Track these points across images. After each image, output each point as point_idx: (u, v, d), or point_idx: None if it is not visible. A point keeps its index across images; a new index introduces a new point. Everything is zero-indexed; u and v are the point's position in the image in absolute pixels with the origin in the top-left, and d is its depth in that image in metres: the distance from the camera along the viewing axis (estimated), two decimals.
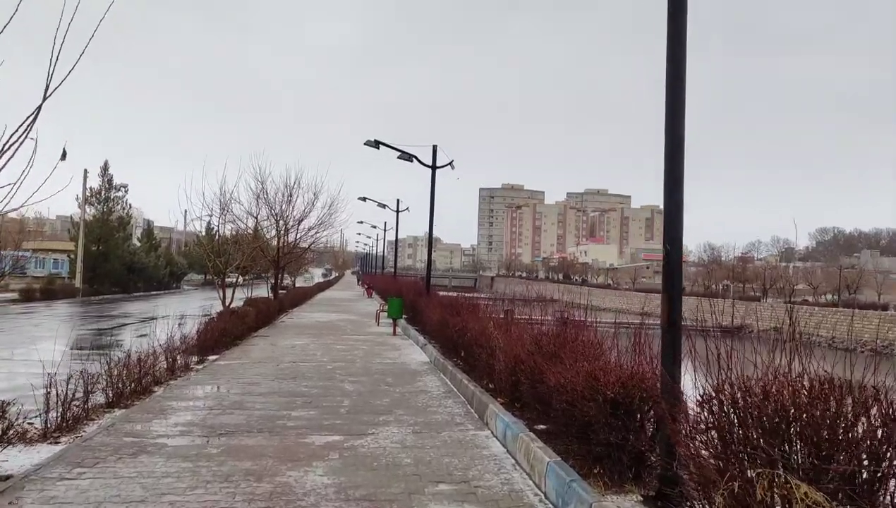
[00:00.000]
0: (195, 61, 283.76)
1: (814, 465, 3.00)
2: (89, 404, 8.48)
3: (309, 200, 26.59)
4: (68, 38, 5.11)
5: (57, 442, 7.18)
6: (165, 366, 11.64)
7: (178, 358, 12.40)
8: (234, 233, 24.73)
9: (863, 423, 3.16)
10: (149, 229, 67.66)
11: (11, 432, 6.52)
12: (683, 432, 3.89)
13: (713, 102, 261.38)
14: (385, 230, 59.03)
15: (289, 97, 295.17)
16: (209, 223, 22.78)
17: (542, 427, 7.22)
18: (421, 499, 5.46)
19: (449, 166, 21.42)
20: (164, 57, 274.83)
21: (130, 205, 53.76)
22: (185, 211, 20.13)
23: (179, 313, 28.58)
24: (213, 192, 20.22)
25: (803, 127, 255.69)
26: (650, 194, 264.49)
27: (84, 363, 9.47)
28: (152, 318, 27.34)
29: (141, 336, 18.29)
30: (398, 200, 41.23)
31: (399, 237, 47.98)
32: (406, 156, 21.43)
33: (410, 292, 25.00)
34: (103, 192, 50.32)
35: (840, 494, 3.01)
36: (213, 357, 14.22)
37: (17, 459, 6.35)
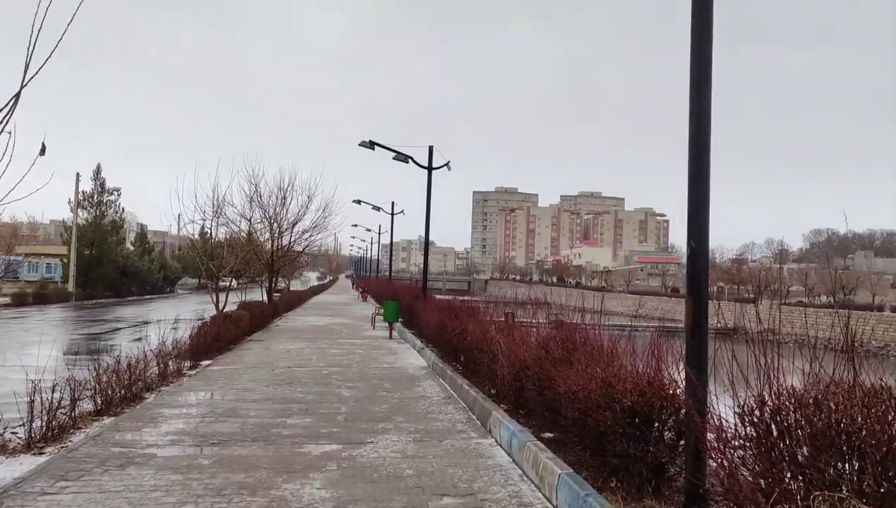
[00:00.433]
0: (188, 63, 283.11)
1: (883, 489, 2.69)
2: (76, 412, 8.15)
3: (303, 203, 26.31)
4: (51, 27, 4.81)
5: (41, 453, 6.85)
6: (157, 372, 11.31)
7: (171, 363, 12.07)
8: (227, 236, 24.44)
9: None
10: (142, 233, 67.09)
11: None
12: (715, 444, 3.60)
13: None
14: (380, 233, 58.69)
15: (282, 99, 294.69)
16: (203, 227, 22.45)
17: (549, 435, 6.92)
18: None
19: (445, 167, 21.14)
20: (158, 59, 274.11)
21: (123, 208, 53.35)
22: (179, 214, 19.80)
23: (173, 317, 28.19)
24: (206, 194, 19.86)
25: (797, 126, 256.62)
26: (644, 197, 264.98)
27: (73, 369, 9.12)
28: (145, 323, 26.95)
29: (135, 340, 17.94)
30: (393, 203, 40.95)
31: (393, 240, 47.62)
32: (401, 157, 21.13)
33: (406, 295, 24.69)
34: (96, 196, 49.84)
35: None
36: (207, 362, 13.89)
37: None
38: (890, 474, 2.72)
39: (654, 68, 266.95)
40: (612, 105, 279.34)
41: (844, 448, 2.86)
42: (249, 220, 24.25)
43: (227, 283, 23.18)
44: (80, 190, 48.33)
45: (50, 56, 4.75)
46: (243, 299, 23.24)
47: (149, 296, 54.13)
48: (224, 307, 19.58)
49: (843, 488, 2.72)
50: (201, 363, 13.68)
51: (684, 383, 4.53)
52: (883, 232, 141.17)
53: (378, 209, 40.28)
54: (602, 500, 4.56)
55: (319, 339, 19.41)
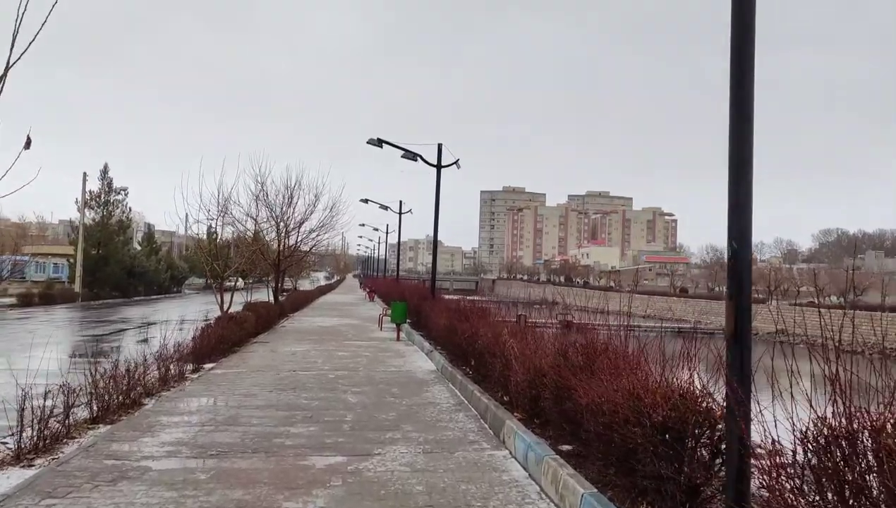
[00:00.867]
0: (197, 63, 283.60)
1: None
2: (71, 420, 7.80)
3: (310, 202, 25.95)
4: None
5: (31, 465, 6.49)
6: (158, 376, 10.96)
7: (172, 366, 11.72)
8: (234, 235, 24.11)
9: None
10: (149, 233, 67.03)
11: None
12: (768, 469, 3.19)
13: (713, 98, 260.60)
14: (387, 233, 58.33)
15: (289, 99, 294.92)
16: (210, 226, 22.11)
17: (567, 447, 6.50)
18: None
19: (455, 165, 20.74)
20: (166, 58, 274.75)
21: (130, 208, 53.19)
22: (186, 214, 19.41)
23: (179, 318, 27.90)
24: (211, 193, 19.52)
25: (806, 126, 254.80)
26: (652, 196, 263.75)
27: (70, 373, 8.75)
28: (150, 324, 26.66)
29: (141, 342, 17.62)
30: (401, 202, 40.57)
31: (401, 240, 47.23)
32: (410, 155, 20.75)
33: (414, 296, 24.28)
34: (103, 196, 49.64)
35: None
36: (210, 365, 13.54)
37: None
38: None
39: (663, 68, 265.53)
40: (621, 105, 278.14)
41: None
42: (255, 219, 23.91)
43: (233, 283, 22.87)
44: (87, 189, 48.19)
45: (35, 37, 4.36)
46: (249, 299, 22.92)
47: (155, 297, 53.94)
48: (229, 308, 19.26)
49: None
50: (204, 366, 13.33)
51: (725, 396, 4.10)
52: (893, 232, 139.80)
53: (386, 208, 39.95)
54: None
55: (326, 341, 19.05)
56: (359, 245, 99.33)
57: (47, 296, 40.43)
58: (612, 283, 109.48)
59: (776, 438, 3.37)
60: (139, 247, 59.65)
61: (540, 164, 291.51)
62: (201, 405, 9.47)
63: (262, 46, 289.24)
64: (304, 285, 60.82)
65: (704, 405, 4.62)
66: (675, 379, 4.93)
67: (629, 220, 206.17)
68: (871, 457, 2.73)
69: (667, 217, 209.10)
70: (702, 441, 4.62)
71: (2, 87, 4.58)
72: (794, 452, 3.15)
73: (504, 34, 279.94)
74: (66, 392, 7.85)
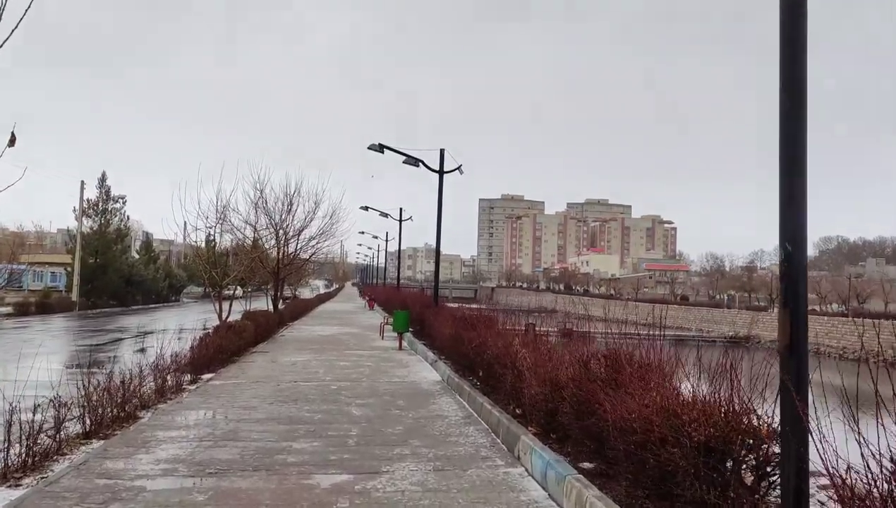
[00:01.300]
0: (194, 70, 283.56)
1: None
2: (62, 435, 7.41)
3: (310, 209, 25.58)
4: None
5: (18, 485, 6.11)
6: (154, 388, 10.57)
7: (169, 378, 11.32)
8: (233, 243, 23.74)
9: None
10: (147, 241, 66.61)
11: None
12: (839, 499, 2.82)
13: (710, 104, 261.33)
14: (387, 240, 57.97)
15: (288, 107, 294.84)
16: (209, 235, 21.71)
17: (588, 465, 6.11)
18: None
19: (458, 171, 20.41)
20: (164, 67, 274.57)
21: (128, 216, 52.77)
22: (185, 222, 19.02)
23: (177, 327, 27.46)
24: (210, 200, 19.14)
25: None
26: (651, 204, 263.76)
27: (65, 384, 8.37)
28: (147, 333, 26.21)
29: (138, 351, 17.19)
30: (401, 209, 40.21)
31: (401, 248, 46.89)
32: (412, 161, 20.41)
33: (417, 304, 23.90)
34: (101, 204, 49.26)
35: None
36: (208, 375, 13.14)
37: None
38: None
39: (661, 76, 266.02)
40: (619, 112, 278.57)
41: None
42: (254, 226, 23.54)
43: (232, 292, 22.46)
44: (85, 198, 47.81)
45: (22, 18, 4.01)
46: (248, 308, 22.52)
47: (154, 305, 53.50)
48: (228, 316, 18.87)
49: None
50: (202, 377, 12.94)
51: (780, 414, 3.73)
52: (894, 239, 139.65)
53: (386, 215, 39.58)
54: None
55: (327, 350, 18.64)
56: (357, 253, 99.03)
57: (44, 305, 39.97)
58: (612, 291, 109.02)
59: (842, 462, 3.00)
60: (137, 256, 59.23)
61: (538, 172, 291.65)
62: (199, 418, 9.07)
63: (263, 53, 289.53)
64: (305, 293, 60.41)
65: (749, 422, 4.24)
66: (714, 394, 4.55)
67: (628, 228, 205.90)
68: None
69: (666, 225, 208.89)
70: (747, 461, 4.24)
71: None
72: (870, 480, 2.77)
73: (501, 43, 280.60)
74: (57, 405, 7.49)
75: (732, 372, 4.56)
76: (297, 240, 26.15)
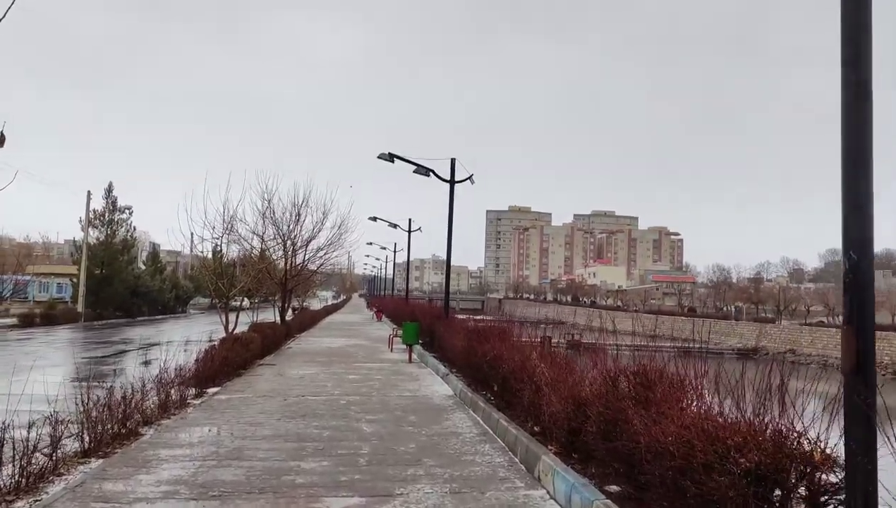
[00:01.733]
0: (202, 81, 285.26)
1: None
2: (59, 454, 7.06)
3: (318, 219, 25.27)
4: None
5: None
6: (157, 403, 10.22)
7: (173, 392, 10.98)
8: (241, 254, 23.45)
9: None
10: (154, 252, 66.54)
11: None
12: None
13: (719, 119, 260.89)
14: (395, 251, 57.65)
15: (297, 118, 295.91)
16: (216, 246, 21.40)
17: (615, 489, 5.70)
18: None
19: (469, 180, 20.08)
20: (172, 77, 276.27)
21: (135, 227, 52.65)
22: (192, 233, 18.72)
23: (183, 339, 27.15)
24: (216, 209, 18.79)
25: (811, 142, 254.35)
26: (657, 216, 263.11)
27: (61, 399, 8.01)
28: (153, 345, 25.90)
29: (142, 364, 16.88)
30: (410, 220, 39.88)
31: (410, 258, 46.48)
32: (422, 171, 20.09)
33: (426, 316, 23.49)
34: (107, 215, 49.13)
35: None
36: (214, 389, 12.79)
37: None
38: None
39: (668, 86, 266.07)
40: (626, 124, 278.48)
41: None
42: (262, 236, 23.23)
43: (239, 303, 22.15)
44: (91, 208, 47.72)
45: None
46: (255, 320, 22.19)
47: (160, 317, 53.28)
48: (234, 328, 18.55)
49: None
50: (208, 390, 12.59)
51: (844, 441, 3.34)
52: None
53: (395, 226, 39.24)
54: None
55: (335, 363, 18.26)
56: (365, 264, 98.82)
57: (49, 317, 39.78)
58: (619, 303, 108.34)
59: None
60: (144, 267, 59.11)
61: (545, 184, 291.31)
62: (203, 435, 8.70)
63: (271, 65, 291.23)
64: (314, 304, 60.16)
65: (800, 447, 3.85)
66: (759, 415, 4.16)
67: (635, 240, 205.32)
68: None
69: (672, 236, 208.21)
70: (796, 489, 3.85)
71: None
72: None
73: (510, 55, 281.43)
74: (53, 422, 7.15)
75: (782, 390, 4.16)
76: (305, 250, 25.85)
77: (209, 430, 9.03)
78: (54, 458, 6.93)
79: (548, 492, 6.30)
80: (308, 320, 37.06)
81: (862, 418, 3.15)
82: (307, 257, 26.22)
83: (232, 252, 23.02)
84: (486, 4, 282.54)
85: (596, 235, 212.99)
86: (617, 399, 5.51)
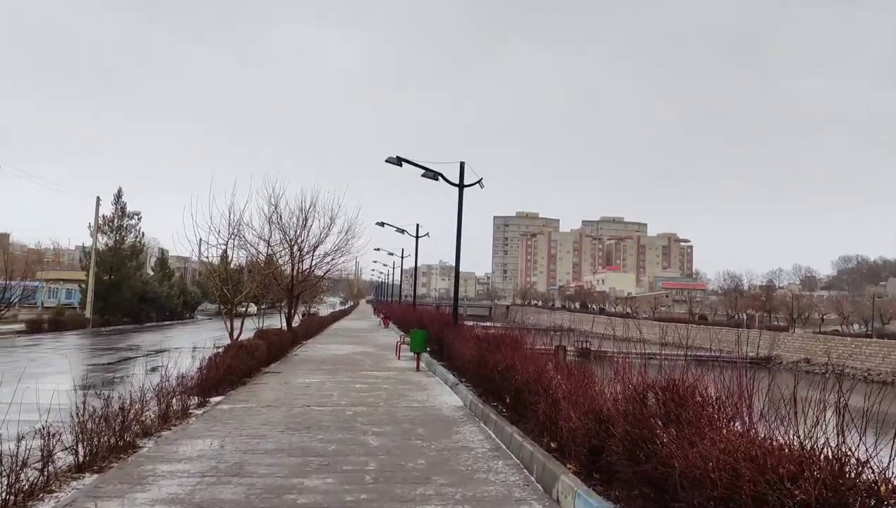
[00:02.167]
0: (210, 91, 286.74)
1: None
2: (51, 468, 6.70)
3: (325, 224, 24.95)
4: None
5: None
6: (157, 413, 9.87)
7: (174, 401, 10.63)
8: (248, 259, 23.13)
9: None
10: (163, 258, 66.41)
11: None
12: None
13: (729, 124, 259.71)
14: (402, 257, 57.31)
15: (303, 124, 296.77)
16: (224, 252, 21.06)
17: None
18: None
19: (478, 184, 19.70)
20: (179, 87, 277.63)
21: (143, 233, 52.55)
22: (199, 239, 18.37)
23: (188, 345, 26.88)
24: (222, 213, 18.42)
25: (824, 151, 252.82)
26: (666, 222, 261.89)
27: (55, 409, 7.66)
28: (159, 351, 25.62)
29: (148, 371, 16.56)
30: (417, 225, 39.56)
31: (417, 264, 46.06)
32: (431, 175, 19.73)
33: (434, 323, 23.08)
34: (116, 220, 49.05)
35: None
36: (217, 398, 12.44)
37: None
38: None
39: (674, 94, 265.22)
40: (631, 128, 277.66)
41: None
42: (268, 242, 22.90)
43: (245, 309, 21.82)
44: (100, 214, 47.65)
45: None
46: (261, 326, 21.86)
47: (167, 323, 53.12)
48: (239, 335, 18.20)
49: None
50: (210, 400, 12.23)
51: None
52: None
53: (402, 231, 38.96)
54: None
55: (341, 371, 17.88)
56: (373, 270, 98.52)
57: (57, 323, 39.63)
58: (628, 310, 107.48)
59: None
60: (152, 273, 59.00)
61: (553, 190, 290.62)
62: (204, 449, 8.33)
63: (276, 73, 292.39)
64: (323, 311, 59.88)
65: (863, 477, 3.43)
66: (812, 438, 3.73)
67: (644, 246, 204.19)
68: None
69: (682, 243, 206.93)
70: None
71: None
72: None
73: (517, 61, 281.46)
74: (46, 434, 6.79)
75: (841, 410, 3.72)
76: (312, 256, 25.52)
77: (210, 443, 8.66)
78: (46, 473, 6.58)
79: None
80: (315, 326, 36.73)
81: None
82: (314, 262, 25.91)
83: (239, 258, 22.72)
84: (490, 12, 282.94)
85: (604, 241, 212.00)
86: (645, 416, 5.09)
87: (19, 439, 6.30)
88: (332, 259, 26.93)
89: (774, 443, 3.82)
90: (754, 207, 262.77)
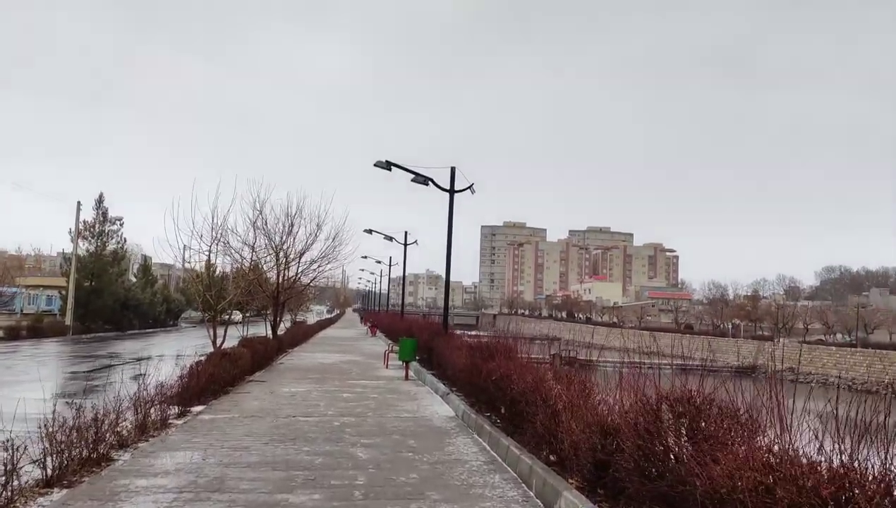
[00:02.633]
0: (195, 97, 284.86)
1: None
2: (16, 483, 6.22)
3: (312, 231, 24.44)
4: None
5: None
6: (135, 423, 9.39)
7: (153, 411, 10.14)
8: (233, 266, 22.57)
9: None
10: (145, 265, 65.45)
11: None
12: None
13: (714, 135, 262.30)
14: (390, 266, 56.83)
15: (288, 136, 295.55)
16: (208, 258, 20.49)
17: None
18: None
19: (470, 190, 19.35)
20: (163, 93, 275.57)
21: (126, 239, 51.69)
22: (182, 244, 17.82)
23: (170, 353, 26.28)
24: (204, 216, 17.82)
25: (807, 162, 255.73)
26: (652, 233, 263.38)
27: (20, 420, 7.18)
28: (140, 359, 24.98)
29: (128, 378, 16.00)
30: (406, 232, 39.14)
31: (405, 273, 45.60)
32: (421, 179, 19.37)
33: (424, 332, 22.66)
34: (97, 226, 48.22)
35: None
36: (198, 408, 11.96)
37: None
38: None
39: (660, 106, 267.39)
40: (620, 141, 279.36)
41: None
42: (253, 247, 22.36)
43: (229, 316, 21.27)
44: (81, 219, 46.78)
45: None
46: (245, 334, 21.33)
47: (150, 330, 52.26)
48: (223, 343, 17.68)
49: None
50: (192, 410, 11.74)
51: None
52: None
53: (390, 239, 38.48)
54: None
55: (328, 380, 17.41)
56: (360, 278, 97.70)
57: (36, 329, 38.77)
58: (615, 319, 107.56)
59: None
60: (135, 279, 58.07)
61: (540, 200, 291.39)
62: (183, 462, 7.87)
63: (263, 84, 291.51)
64: (310, 319, 59.19)
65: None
66: (849, 456, 3.39)
67: (630, 256, 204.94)
68: None
69: (668, 253, 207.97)
70: None
71: None
72: None
73: (504, 72, 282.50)
74: (11, 447, 6.32)
75: (886, 426, 3.39)
76: (298, 262, 24.99)
77: (190, 455, 8.20)
78: (10, 489, 6.11)
79: None
80: (301, 335, 36.14)
81: None
82: (300, 269, 25.38)
83: (224, 264, 22.15)
84: (483, 25, 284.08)
85: (591, 251, 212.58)
86: (659, 429, 4.73)
87: None
88: (319, 266, 26.41)
89: (809, 461, 3.48)
90: (739, 218, 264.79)
